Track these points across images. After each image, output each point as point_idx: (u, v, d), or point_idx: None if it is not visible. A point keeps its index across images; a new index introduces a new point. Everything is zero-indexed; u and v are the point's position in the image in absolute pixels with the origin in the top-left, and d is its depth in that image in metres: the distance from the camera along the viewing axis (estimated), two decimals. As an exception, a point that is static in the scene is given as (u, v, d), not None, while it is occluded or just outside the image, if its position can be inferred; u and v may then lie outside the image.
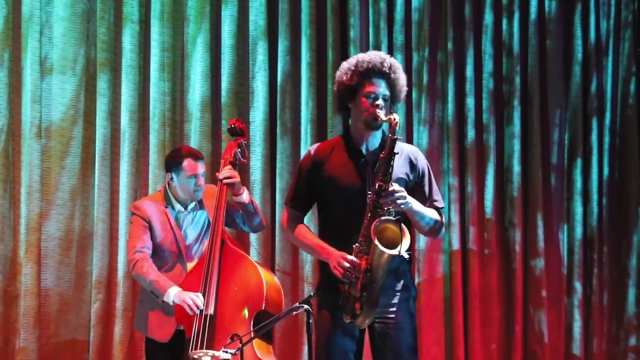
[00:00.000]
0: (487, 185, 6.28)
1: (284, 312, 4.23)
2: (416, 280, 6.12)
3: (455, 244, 6.17)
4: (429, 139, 6.21)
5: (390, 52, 6.15)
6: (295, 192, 4.10)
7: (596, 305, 6.39)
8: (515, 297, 6.26)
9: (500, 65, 6.38)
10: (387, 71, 3.91)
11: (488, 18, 6.33)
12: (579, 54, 6.45)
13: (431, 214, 3.95)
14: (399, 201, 3.75)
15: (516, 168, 6.31)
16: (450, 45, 6.25)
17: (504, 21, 6.36)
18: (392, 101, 3.97)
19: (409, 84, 6.21)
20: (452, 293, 6.15)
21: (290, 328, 5.86)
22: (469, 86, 6.27)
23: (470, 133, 6.26)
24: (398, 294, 3.94)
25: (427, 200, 4.00)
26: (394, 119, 3.79)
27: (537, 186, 6.33)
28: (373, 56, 3.95)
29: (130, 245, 4.66)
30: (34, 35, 5.62)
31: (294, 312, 3.98)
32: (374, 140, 3.99)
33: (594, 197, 6.42)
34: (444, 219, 4.02)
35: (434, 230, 3.98)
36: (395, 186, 3.77)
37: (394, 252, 3.68)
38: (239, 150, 4.77)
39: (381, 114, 3.86)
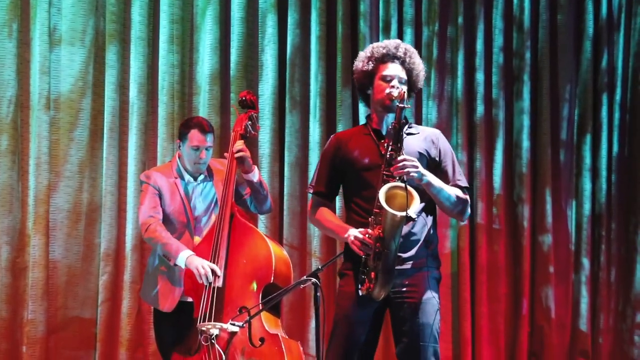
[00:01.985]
0: (496, 160, 6.27)
1: (292, 285, 4.23)
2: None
3: (463, 220, 6.16)
4: (438, 114, 6.19)
5: (400, 26, 6.13)
6: (318, 178, 4.12)
7: (603, 281, 6.40)
8: (522, 273, 6.26)
9: (511, 39, 6.35)
10: (402, 55, 3.99)
11: (498, -8, 6.30)
12: (590, 29, 6.41)
13: (451, 190, 3.94)
14: (408, 169, 3.75)
15: (525, 143, 6.29)
16: (460, 19, 6.22)
17: (515, -5, 6.34)
18: (410, 86, 4.01)
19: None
20: (460, 268, 6.15)
21: (297, 302, 5.88)
22: (479, 61, 6.24)
23: (480, 108, 6.24)
24: (419, 272, 3.93)
25: (451, 181, 3.99)
26: (401, 89, 3.85)
27: (546, 162, 6.32)
28: (388, 42, 4.05)
29: (142, 211, 4.68)
30: (42, 5, 5.60)
31: (302, 285, 3.99)
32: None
33: (603, 173, 6.41)
34: (468, 198, 4.00)
35: (457, 208, 3.97)
36: (405, 155, 3.78)
37: (402, 213, 3.68)
38: (250, 122, 4.77)
39: (395, 92, 3.87)
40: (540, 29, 6.35)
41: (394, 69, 3.97)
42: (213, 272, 4.42)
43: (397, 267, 3.81)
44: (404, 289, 3.89)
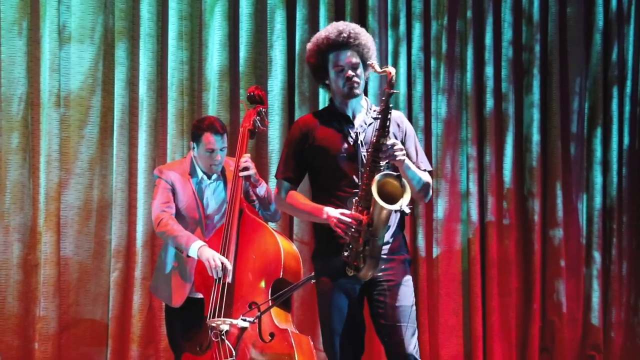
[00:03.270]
0: (506, 154, 6.26)
1: (302, 280, 4.23)
2: (434, 251, 6.12)
3: (474, 214, 6.16)
4: (448, 108, 6.18)
5: (409, 20, 6.13)
6: (286, 164, 4.05)
7: (615, 275, 6.38)
8: (533, 267, 6.25)
9: (520, 33, 6.33)
10: (347, 40, 3.91)
11: (508, -15, 6.28)
12: (599, 22, 6.39)
13: (420, 173, 3.95)
14: (396, 153, 3.75)
15: (535, 137, 6.28)
16: (469, 13, 6.20)
17: (524, -12, 6.32)
18: (364, 65, 3.95)
19: (427, 53, 6.18)
20: (471, 263, 6.14)
21: (308, 296, 5.87)
22: (488, 55, 6.23)
23: (489, 102, 6.23)
24: (394, 255, 3.93)
25: (414, 163, 3.97)
26: (390, 72, 3.79)
27: (556, 155, 6.30)
28: (330, 29, 3.95)
29: (155, 205, 4.68)
30: (52, 3, 5.61)
31: (312, 281, 3.98)
32: (358, 106, 3.99)
33: (614, 166, 6.39)
34: (430, 181, 4.00)
35: (424, 190, 3.97)
36: (393, 139, 3.79)
37: (396, 207, 3.67)
38: (258, 118, 4.77)
39: (357, 79, 3.87)
40: (549, 22, 6.33)
41: (343, 57, 3.90)
42: (223, 266, 4.43)
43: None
44: (381, 273, 3.87)
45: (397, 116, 4.04)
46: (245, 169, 4.61)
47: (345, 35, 3.90)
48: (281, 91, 5.92)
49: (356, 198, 3.79)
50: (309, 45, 4.00)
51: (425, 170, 3.99)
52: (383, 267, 3.85)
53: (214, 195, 4.76)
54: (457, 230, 6.15)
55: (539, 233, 6.26)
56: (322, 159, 3.95)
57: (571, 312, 6.28)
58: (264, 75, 5.95)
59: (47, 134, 5.62)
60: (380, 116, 3.79)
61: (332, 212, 3.81)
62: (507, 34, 6.28)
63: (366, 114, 3.99)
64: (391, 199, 3.69)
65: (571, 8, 6.35)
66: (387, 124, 3.77)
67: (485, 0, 6.24)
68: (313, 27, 5.98)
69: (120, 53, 5.74)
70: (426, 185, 3.97)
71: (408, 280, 3.93)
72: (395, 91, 3.81)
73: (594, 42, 6.39)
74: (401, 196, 3.68)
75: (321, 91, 5.96)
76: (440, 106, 6.18)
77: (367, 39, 3.96)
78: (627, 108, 6.40)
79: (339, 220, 3.78)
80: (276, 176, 4.06)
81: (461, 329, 6.11)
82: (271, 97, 5.88)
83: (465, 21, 6.21)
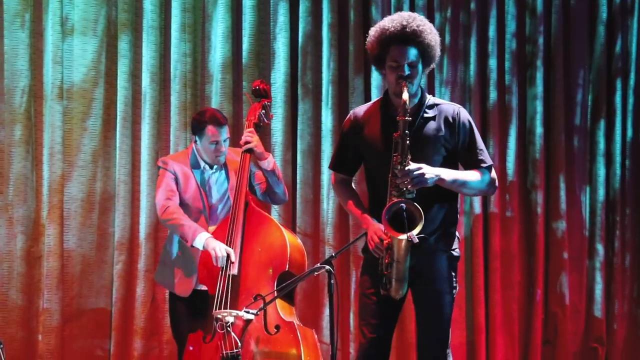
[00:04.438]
0: (509, 147, 6.25)
1: (305, 272, 4.24)
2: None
3: (477, 206, 6.16)
4: (451, 100, 6.13)
5: (412, 12, 6.09)
6: (338, 157, 4.10)
7: (618, 267, 6.38)
8: (536, 260, 6.25)
9: (523, 25, 6.32)
10: (411, 35, 3.77)
11: (511, -23, 6.27)
12: (603, 14, 6.37)
13: (470, 176, 3.87)
14: (415, 180, 3.71)
15: (538, 130, 6.27)
16: (472, 5, 6.20)
17: (527, -20, 6.30)
18: (424, 64, 3.85)
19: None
20: (473, 255, 6.14)
21: (311, 289, 5.88)
22: (492, 47, 6.22)
23: (493, 94, 6.22)
24: (436, 251, 3.92)
25: (473, 162, 3.90)
26: (404, 99, 3.71)
27: (559, 148, 6.30)
28: (395, 21, 3.80)
29: (159, 194, 4.68)
30: (54, -5, 5.62)
31: (316, 273, 3.98)
32: (411, 101, 3.84)
33: (617, 158, 6.38)
34: (492, 174, 3.91)
35: (477, 190, 3.96)
36: (411, 165, 3.72)
37: (403, 236, 3.67)
38: (263, 112, 4.78)
39: (411, 79, 3.77)
40: (553, 14, 6.32)
41: (402, 55, 3.77)
42: (228, 256, 4.43)
43: (417, 247, 3.75)
44: (421, 270, 3.87)
45: (452, 112, 3.92)
46: (247, 142, 4.60)
47: (409, 30, 3.75)
48: (284, 83, 5.92)
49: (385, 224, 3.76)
50: (370, 32, 3.85)
51: (484, 167, 3.90)
52: (424, 263, 3.85)
53: (216, 185, 4.77)
54: (460, 222, 6.12)
55: (542, 225, 6.25)
56: (366, 153, 3.98)
57: (574, 304, 6.29)
58: (267, 67, 5.95)
59: (50, 126, 5.62)
60: (397, 141, 3.74)
61: (372, 227, 3.84)
62: (511, 26, 6.27)
63: (422, 108, 3.89)
64: (411, 222, 3.67)
65: (574, 0, 6.34)
66: (406, 149, 3.72)
67: (488, -8, 6.24)
68: (316, 19, 5.98)
69: (123, 45, 5.73)
70: (483, 185, 3.89)
71: (447, 278, 3.91)
72: (408, 118, 3.73)
73: (598, 35, 6.37)
74: (415, 225, 3.67)
75: (324, 84, 5.95)
76: (443, 98, 6.13)
77: (431, 38, 3.81)
78: (630, 100, 6.39)
79: (372, 237, 3.82)
80: (329, 167, 4.10)
81: (464, 321, 6.11)
82: (274, 90, 5.88)
83: (469, 13, 6.20)
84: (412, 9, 6.09)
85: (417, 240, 3.67)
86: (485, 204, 6.19)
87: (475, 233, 6.15)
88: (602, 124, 6.38)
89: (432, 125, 3.89)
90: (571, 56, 6.33)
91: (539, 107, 6.27)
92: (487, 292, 6.16)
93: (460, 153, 3.93)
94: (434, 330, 3.92)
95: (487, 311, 6.15)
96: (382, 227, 3.77)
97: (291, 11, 5.95)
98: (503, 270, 6.19)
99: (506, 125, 6.25)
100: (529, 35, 6.32)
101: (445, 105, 3.97)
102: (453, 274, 3.95)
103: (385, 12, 6.04)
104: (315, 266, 3.97)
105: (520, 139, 6.28)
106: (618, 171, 6.38)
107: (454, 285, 3.96)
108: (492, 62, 6.21)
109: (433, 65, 3.95)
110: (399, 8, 6.05)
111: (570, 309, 6.27)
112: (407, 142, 3.72)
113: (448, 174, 3.82)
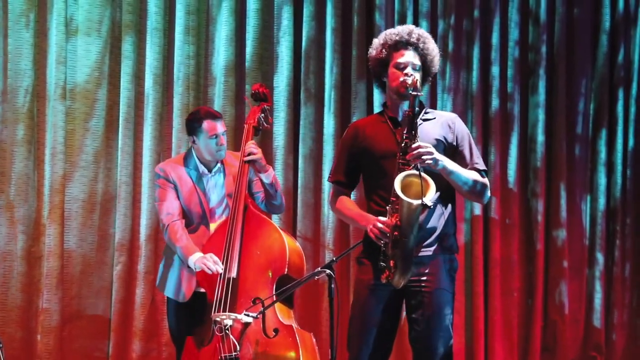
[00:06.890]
0: (511, 154, 6.26)
1: (306, 276, 4.24)
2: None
3: (477, 213, 6.16)
4: (453, 107, 6.17)
5: (416, 19, 6.12)
6: (337, 167, 4.13)
7: (618, 276, 6.37)
8: (536, 268, 6.25)
9: (527, 33, 6.33)
10: (415, 41, 3.98)
11: (515, -15, 6.28)
12: (606, 23, 6.38)
13: (468, 174, 3.94)
14: (424, 156, 3.75)
15: (540, 138, 6.27)
16: (476, 12, 6.20)
17: (531, -12, 6.31)
18: (424, 72, 4.01)
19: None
20: (473, 262, 6.14)
21: (310, 293, 5.88)
22: (494, 54, 6.23)
23: (495, 102, 6.23)
24: (435, 258, 3.93)
25: (469, 164, 3.99)
26: (414, 77, 3.86)
27: (561, 156, 6.30)
28: (401, 29, 4.03)
29: (161, 209, 4.66)
30: (59, -4, 5.63)
31: (316, 277, 3.99)
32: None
33: (618, 168, 6.38)
34: (486, 181, 3.99)
35: (476, 191, 3.96)
36: (420, 142, 3.78)
37: (418, 201, 3.68)
38: (263, 115, 4.77)
39: (409, 80, 3.88)
40: (556, 22, 6.32)
41: (407, 56, 3.96)
42: (225, 260, 4.44)
43: (415, 255, 3.80)
44: (420, 278, 3.88)
45: (449, 118, 4.08)
46: (251, 153, 4.60)
47: (415, 36, 3.98)
48: (287, 87, 5.92)
49: (389, 205, 3.80)
50: (375, 40, 4.06)
51: (479, 169, 3.98)
52: (423, 271, 3.86)
53: (215, 189, 4.76)
54: (460, 229, 6.14)
55: (542, 233, 6.25)
56: (366, 159, 4.01)
57: (573, 312, 6.28)
58: (269, 71, 5.96)
59: (53, 126, 5.63)
60: (407, 119, 3.80)
61: (370, 219, 3.86)
62: (514, 34, 6.28)
63: (421, 113, 4.00)
64: (418, 197, 3.69)
65: (578, 9, 6.35)
66: (414, 127, 3.79)
67: (492, 0, 6.24)
68: (320, 23, 5.99)
69: (127, 47, 5.75)
70: (478, 185, 3.95)
71: (446, 287, 3.92)
72: (420, 93, 3.83)
73: (600, 44, 6.38)
74: (425, 192, 3.68)
75: (327, 88, 5.96)
76: (445, 105, 6.17)
77: (434, 48, 4.03)
78: (632, 110, 6.39)
79: (374, 225, 3.81)
80: (328, 179, 4.10)
81: (463, 327, 6.10)
82: (277, 94, 5.89)
83: (472, 20, 6.21)
84: (416, 15, 6.11)
85: (431, 204, 3.71)
86: (485, 210, 6.19)
87: (475, 240, 6.14)
88: (603, 133, 6.38)
89: (431, 125, 3.99)
90: (574, 65, 6.34)
91: (541, 115, 6.28)
92: (486, 299, 6.16)
93: (457, 155, 4.00)
94: (437, 331, 3.93)
95: (487, 317, 6.15)
96: (377, 218, 3.81)
97: (295, 15, 5.96)
98: (503, 277, 6.19)
99: (508, 133, 6.26)
100: (532, 44, 6.32)
101: (442, 113, 4.17)
102: (452, 284, 3.97)
103: (389, 17, 6.05)
104: (316, 270, 3.98)
105: (521, 147, 6.28)
106: (619, 180, 6.38)
107: (453, 292, 3.98)
108: (495, 70, 6.22)
109: (429, 79, 4.09)
110: (403, 14, 6.06)
111: (570, 317, 6.26)
112: (417, 119, 3.84)
113: (451, 164, 3.89)
